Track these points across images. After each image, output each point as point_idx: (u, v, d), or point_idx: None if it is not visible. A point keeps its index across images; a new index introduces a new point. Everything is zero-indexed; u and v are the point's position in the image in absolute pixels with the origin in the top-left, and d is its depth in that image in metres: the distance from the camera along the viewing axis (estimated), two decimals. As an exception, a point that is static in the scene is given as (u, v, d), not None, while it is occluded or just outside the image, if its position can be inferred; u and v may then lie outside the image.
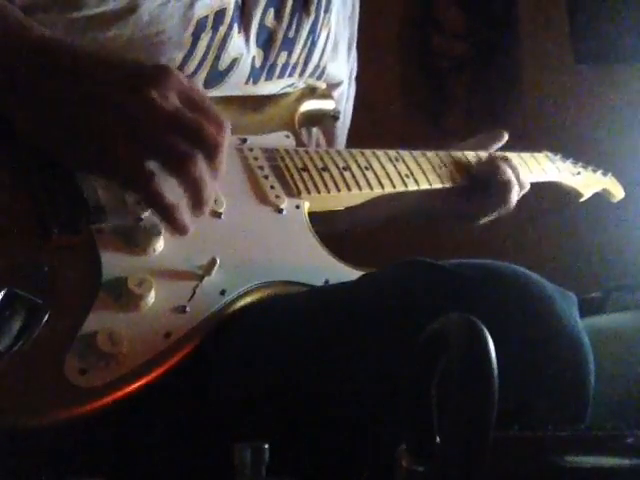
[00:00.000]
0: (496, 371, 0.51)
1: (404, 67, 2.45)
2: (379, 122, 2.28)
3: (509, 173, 1.24)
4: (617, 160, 1.86)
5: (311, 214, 1.03)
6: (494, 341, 0.52)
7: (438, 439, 0.56)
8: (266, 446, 0.63)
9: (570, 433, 0.63)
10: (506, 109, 2.34)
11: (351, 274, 0.96)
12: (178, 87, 0.82)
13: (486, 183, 1.23)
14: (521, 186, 1.26)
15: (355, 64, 1.34)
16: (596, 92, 2.25)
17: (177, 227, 0.84)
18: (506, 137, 1.33)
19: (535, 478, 0.59)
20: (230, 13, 1.03)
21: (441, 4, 2.45)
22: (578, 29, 2.27)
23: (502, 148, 1.34)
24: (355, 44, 1.32)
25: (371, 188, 1.10)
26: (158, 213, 0.84)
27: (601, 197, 1.52)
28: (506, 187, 1.23)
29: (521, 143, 1.41)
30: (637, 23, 2.18)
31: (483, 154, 1.28)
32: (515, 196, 1.25)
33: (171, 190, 0.82)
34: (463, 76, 2.44)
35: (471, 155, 1.27)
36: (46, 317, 0.76)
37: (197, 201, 0.83)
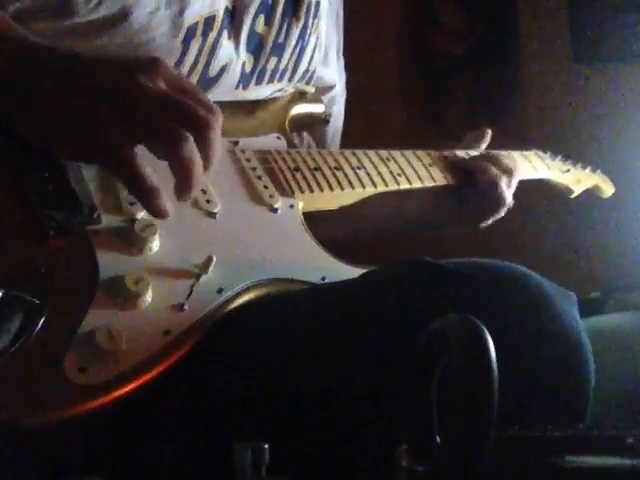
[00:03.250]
0: (496, 371, 0.51)
1: (404, 67, 2.45)
2: (379, 122, 2.29)
3: (491, 170, 1.23)
4: (617, 160, 1.86)
5: (307, 215, 1.03)
6: (494, 341, 0.52)
7: (438, 439, 0.56)
8: (266, 446, 0.63)
9: (570, 433, 0.63)
10: (506, 109, 2.34)
11: (348, 271, 0.96)
12: (167, 75, 0.83)
13: (473, 182, 1.23)
14: (509, 178, 1.24)
15: (343, 72, 1.34)
16: (596, 92, 2.25)
17: (155, 211, 0.83)
18: (489, 134, 1.32)
19: (535, 478, 0.59)
20: (219, 20, 1.04)
21: (441, 4, 2.45)
22: (578, 29, 2.28)
23: (499, 147, 1.34)
24: (342, 52, 1.32)
25: (363, 187, 1.10)
26: (136, 195, 0.83)
27: (602, 198, 1.52)
28: (491, 184, 1.22)
29: (520, 143, 1.41)
30: (637, 23, 2.18)
31: (473, 153, 1.28)
32: (505, 191, 1.23)
33: (156, 176, 0.82)
34: (463, 76, 2.44)
35: (462, 154, 1.27)
36: (44, 317, 0.76)
37: (185, 182, 0.82)
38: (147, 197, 0.82)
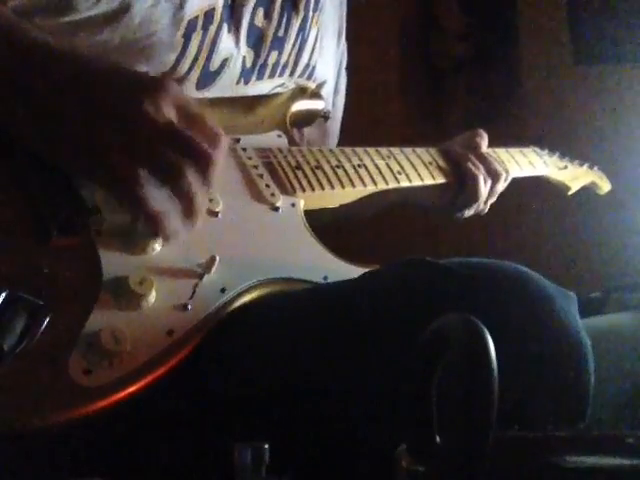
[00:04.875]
0: (496, 371, 0.51)
1: (404, 67, 2.45)
2: (379, 122, 2.29)
3: (476, 165, 1.24)
4: (617, 159, 1.86)
5: (306, 212, 1.03)
6: (494, 341, 0.52)
7: (438, 439, 0.56)
8: (266, 446, 0.63)
9: (570, 433, 0.63)
10: (506, 109, 2.34)
11: (349, 270, 0.97)
12: (174, 100, 0.82)
13: (459, 174, 1.24)
14: (494, 179, 1.26)
15: (345, 54, 1.34)
16: (596, 92, 2.25)
17: (165, 235, 0.84)
18: (483, 135, 1.32)
19: (535, 478, 0.59)
20: (219, 12, 1.04)
21: (441, 5, 2.45)
22: (578, 29, 2.28)
23: (499, 145, 1.35)
24: (344, 33, 1.32)
25: (364, 185, 1.10)
26: (144, 222, 0.84)
27: (601, 197, 1.53)
28: (470, 178, 1.24)
29: (520, 143, 1.42)
30: (637, 23, 2.18)
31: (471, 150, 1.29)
32: (482, 188, 1.24)
33: (162, 196, 0.82)
34: (463, 76, 2.44)
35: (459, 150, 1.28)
36: (48, 318, 0.76)
37: (187, 212, 0.83)
38: (148, 221, 0.83)
